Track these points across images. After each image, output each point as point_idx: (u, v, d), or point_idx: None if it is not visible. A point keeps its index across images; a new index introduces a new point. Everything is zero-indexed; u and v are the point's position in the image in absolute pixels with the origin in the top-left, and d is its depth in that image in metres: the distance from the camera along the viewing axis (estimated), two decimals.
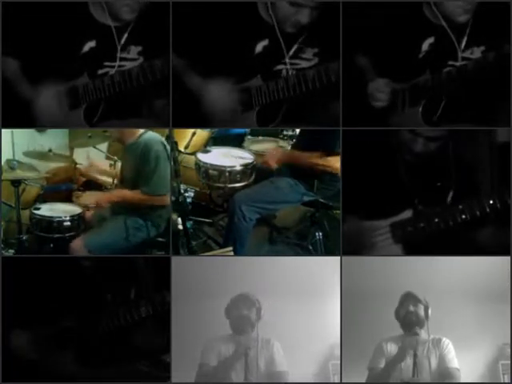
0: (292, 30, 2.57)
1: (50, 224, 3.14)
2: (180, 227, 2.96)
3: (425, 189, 2.49)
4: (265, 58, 2.60)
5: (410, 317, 2.43)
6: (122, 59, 2.60)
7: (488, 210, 2.33)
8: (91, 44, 2.60)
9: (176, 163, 2.83)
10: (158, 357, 2.58)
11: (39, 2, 2.57)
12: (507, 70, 2.50)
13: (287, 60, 2.59)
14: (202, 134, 4.01)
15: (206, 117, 2.64)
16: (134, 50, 2.61)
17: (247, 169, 3.26)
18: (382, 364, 2.41)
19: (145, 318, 2.42)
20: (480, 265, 2.57)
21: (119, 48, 2.60)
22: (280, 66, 2.60)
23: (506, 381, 2.58)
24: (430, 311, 2.43)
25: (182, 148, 3.87)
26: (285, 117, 2.64)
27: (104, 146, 4.10)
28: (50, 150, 3.66)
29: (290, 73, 2.59)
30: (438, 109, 2.56)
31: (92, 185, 3.79)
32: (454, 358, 2.41)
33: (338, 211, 3.15)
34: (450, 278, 2.59)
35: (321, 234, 3.38)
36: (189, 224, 3.12)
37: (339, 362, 2.58)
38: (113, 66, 2.61)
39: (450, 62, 2.54)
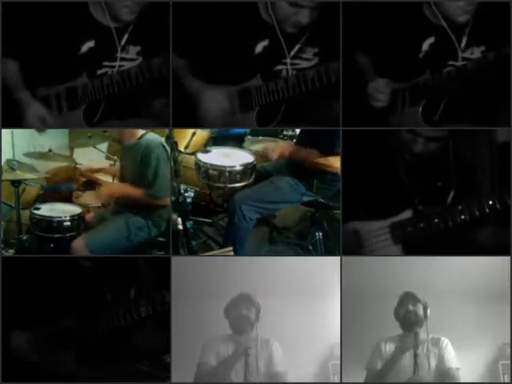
0: (292, 30, 2.57)
1: (50, 224, 3.15)
2: (180, 227, 2.96)
3: (425, 189, 2.50)
4: (265, 58, 2.60)
5: (409, 316, 2.43)
6: (120, 59, 2.61)
7: (488, 210, 2.33)
8: (90, 44, 2.60)
9: (176, 163, 2.83)
10: (158, 357, 2.58)
11: (39, 2, 2.57)
12: (507, 70, 2.50)
13: (288, 60, 2.59)
14: (201, 133, 4.01)
15: (205, 117, 2.64)
16: (133, 50, 2.62)
17: (247, 169, 3.25)
18: (380, 364, 2.41)
19: (145, 318, 2.42)
20: (480, 265, 2.57)
21: (119, 49, 2.60)
22: (280, 66, 2.60)
23: (506, 381, 2.58)
24: (428, 311, 2.43)
25: (182, 148, 3.87)
26: (285, 117, 2.63)
27: (104, 146, 4.10)
28: (50, 150, 3.67)
29: (289, 73, 2.59)
30: (438, 109, 2.56)
31: (92, 185, 3.79)
32: (454, 357, 2.41)
33: (338, 211, 3.15)
34: (450, 278, 2.59)
35: (321, 233, 3.38)
36: (189, 224, 3.12)
37: (339, 362, 2.58)
38: (112, 66, 2.61)
39: (450, 62, 2.54)
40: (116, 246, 2.99)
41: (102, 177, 3.78)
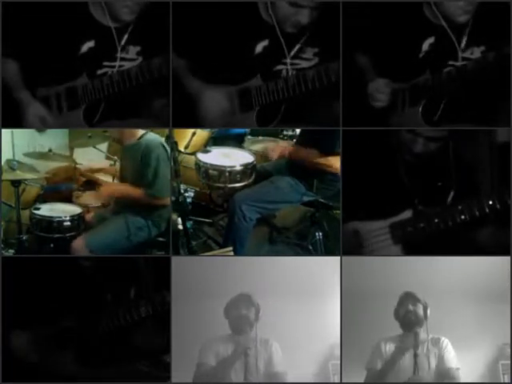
0: (292, 30, 2.57)
1: (50, 224, 3.15)
2: (180, 227, 2.96)
3: (425, 189, 2.49)
4: (265, 58, 2.60)
5: (409, 316, 2.43)
6: (120, 59, 2.61)
7: (488, 210, 2.33)
8: (90, 44, 2.60)
9: (176, 163, 2.83)
10: (158, 357, 2.58)
11: (39, 2, 2.57)
12: (507, 70, 2.50)
13: (288, 60, 2.59)
14: (201, 133, 4.01)
15: (205, 117, 2.64)
16: (133, 50, 2.62)
17: (247, 169, 3.25)
18: (380, 364, 2.41)
19: (145, 318, 2.42)
20: (480, 265, 2.57)
21: (119, 49, 2.60)
22: (280, 66, 2.60)
23: (506, 381, 2.58)
24: (428, 311, 2.43)
25: (182, 148, 3.87)
26: (285, 117, 2.63)
27: (104, 146, 4.10)
28: (50, 150, 3.66)
29: (289, 73, 2.59)
30: (438, 109, 2.56)
31: (92, 185, 3.79)
32: (454, 357, 2.41)
33: (338, 211, 3.15)
34: (450, 278, 2.59)
35: (321, 233, 3.38)
36: (189, 224, 3.12)
37: (339, 362, 2.58)
38: (112, 66, 2.61)
39: (450, 62, 2.54)
40: (116, 246, 2.99)
41: (101, 177, 3.78)
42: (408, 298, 2.46)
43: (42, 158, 3.68)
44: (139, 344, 2.50)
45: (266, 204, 3.16)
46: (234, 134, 4.32)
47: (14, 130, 3.54)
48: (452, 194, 2.48)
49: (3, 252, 3.16)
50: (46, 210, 3.24)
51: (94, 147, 3.90)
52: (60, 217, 3.16)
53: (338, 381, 2.59)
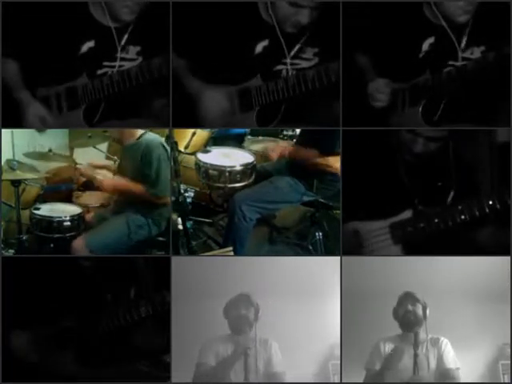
0: (292, 30, 2.57)
1: (50, 224, 3.15)
2: (180, 227, 2.96)
3: (425, 189, 2.49)
4: (265, 58, 2.60)
5: (408, 316, 2.43)
6: (120, 59, 2.61)
7: (488, 210, 2.33)
8: (90, 44, 2.60)
9: (176, 163, 2.83)
10: (158, 357, 2.58)
11: (39, 2, 2.57)
12: (507, 70, 2.50)
13: (288, 60, 2.59)
14: (201, 133, 4.01)
15: (205, 117, 2.64)
16: (133, 50, 2.62)
17: (247, 169, 3.25)
18: (379, 364, 2.41)
19: (145, 318, 2.42)
20: (480, 265, 2.57)
21: (119, 49, 2.60)
22: (280, 66, 2.60)
23: (506, 381, 2.58)
24: (428, 311, 2.42)
25: (182, 148, 3.86)
26: (285, 117, 2.63)
27: (104, 146, 4.09)
28: (50, 150, 3.66)
29: (289, 73, 2.59)
30: (438, 109, 2.56)
31: (92, 185, 3.79)
32: (454, 357, 2.41)
33: (337, 211, 3.15)
34: (450, 278, 2.59)
35: (321, 233, 3.38)
36: (189, 224, 3.12)
37: (339, 362, 2.58)
38: (112, 66, 2.61)
39: (450, 62, 2.54)
40: (116, 246, 2.99)
41: (102, 176, 3.78)
42: (407, 298, 2.45)
43: (42, 158, 3.67)
44: (139, 344, 2.50)
45: (266, 204, 3.16)
46: (233, 134, 4.32)
47: (14, 130, 3.54)
48: (452, 194, 2.48)
49: (3, 252, 3.16)
50: (46, 210, 3.24)
51: (94, 147, 3.89)
52: (60, 217, 3.16)
53: (338, 381, 2.59)
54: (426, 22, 2.56)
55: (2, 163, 3.14)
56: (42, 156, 3.66)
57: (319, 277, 2.63)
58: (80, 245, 2.96)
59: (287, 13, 2.54)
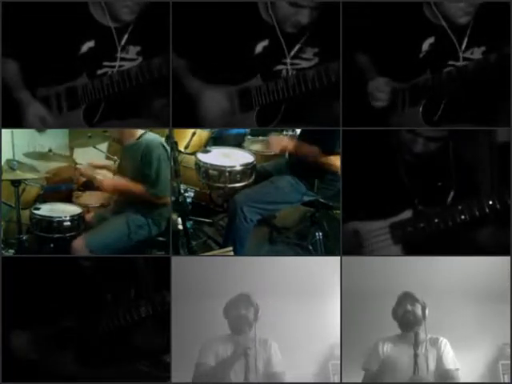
0: (292, 30, 2.57)
1: (50, 224, 3.15)
2: (180, 227, 2.96)
3: (425, 189, 2.49)
4: (265, 58, 2.60)
5: (407, 316, 2.43)
6: (120, 59, 2.61)
7: (488, 210, 2.33)
8: (90, 44, 2.60)
9: (176, 163, 2.83)
10: (158, 357, 2.58)
11: (39, 2, 2.57)
12: (507, 71, 2.50)
13: (288, 60, 2.59)
14: (201, 133, 4.00)
15: (205, 117, 2.64)
16: (133, 50, 2.62)
17: (247, 169, 3.25)
18: (377, 365, 2.41)
19: (145, 318, 2.42)
20: (480, 265, 2.57)
21: (119, 49, 2.60)
22: (280, 66, 2.60)
23: (506, 381, 2.58)
24: (427, 311, 2.42)
25: (182, 148, 3.86)
26: (285, 117, 2.63)
27: (104, 146, 4.09)
28: (50, 150, 3.66)
29: (289, 73, 2.59)
30: (438, 109, 2.56)
31: (92, 185, 3.79)
32: (453, 358, 2.40)
33: (338, 211, 3.15)
34: (450, 278, 2.59)
35: (321, 233, 3.38)
36: (189, 224, 3.12)
37: (339, 362, 2.58)
38: (112, 66, 2.61)
39: (451, 62, 2.54)
40: (116, 246, 2.99)
41: (103, 175, 3.78)
42: (406, 298, 2.46)
43: (42, 158, 3.67)
44: (139, 344, 2.50)
45: (267, 205, 3.16)
46: (233, 134, 4.32)
47: (14, 130, 3.54)
48: (452, 193, 2.48)
49: (3, 252, 3.16)
50: (46, 210, 3.24)
51: (94, 147, 3.89)
52: (60, 217, 3.16)
53: (338, 381, 2.59)
54: (426, 22, 2.56)
55: (2, 163, 3.14)
56: (42, 156, 3.66)
57: (319, 277, 2.63)
58: (80, 245, 2.96)
59: (287, 13, 2.54)
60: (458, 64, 2.52)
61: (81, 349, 2.46)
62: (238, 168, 3.22)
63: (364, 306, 2.59)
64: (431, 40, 2.56)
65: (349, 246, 2.56)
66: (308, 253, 3.39)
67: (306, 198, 3.25)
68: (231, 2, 2.59)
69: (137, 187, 3.05)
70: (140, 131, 3.09)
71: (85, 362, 2.46)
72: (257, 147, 3.93)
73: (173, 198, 2.89)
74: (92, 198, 3.51)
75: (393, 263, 2.54)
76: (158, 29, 2.60)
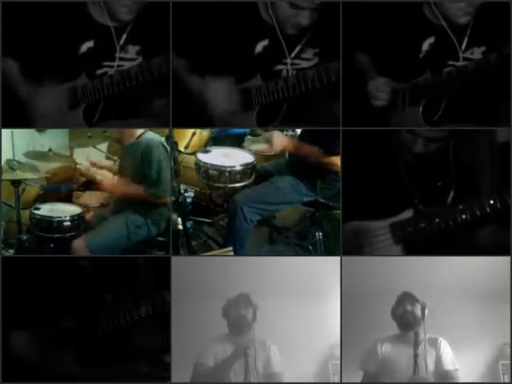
0: (292, 31, 2.57)
1: (50, 224, 3.15)
2: (180, 227, 2.96)
3: (425, 189, 2.49)
4: (265, 58, 2.60)
5: (407, 316, 2.43)
6: (120, 59, 2.61)
7: (488, 209, 2.32)
8: (89, 44, 2.60)
9: (176, 163, 2.83)
10: (158, 357, 2.58)
11: (39, 2, 2.57)
12: (507, 70, 2.50)
13: (288, 60, 2.59)
14: (202, 133, 4.00)
15: (205, 117, 2.64)
16: (133, 50, 2.62)
17: (247, 169, 3.25)
18: (376, 365, 2.41)
19: (145, 318, 2.42)
20: (480, 265, 2.57)
21: (118, 48, 2.60)
22: (280, 66, 2.60)
23: (506, 381, 2.58)
24: (426, 311, 2.42)
25: (182, 148, 3.86)
26: (285, 117, 2.63)
27: (104, 146, 4.09)
28: (50, 150, 3.66)
29: (290, 73, 2.59)
30: (438, 109, 2.56)
31: (92, 185, 3.79)
32: (452, 358, 2.40)
33: (338, 211, 3.15)
34: (450, 278, 2.59)
35: (321, 233, 3.38)
36: (189, 224, 3.12)
37: (339, 362, 2.58)
38: (112, 66, 2.61)
39: (451, 62, 2.54)
40: (116, 246, 2.99)
41: (103, 175, 3.78)
42: (406, 298, 2.45)
43: (42, 158, 3.67)
44: (139, 344, 2.50)
45: (267, 205, 3.16)
46: (233, 134, 4.32)
47: (14, 130, 3.54)
48: (452, 193, 2.48)
49: (3, 252, 3.16)
50: (46, 210, 3.24)
51: (94, 147, 3.89)
52: (60, 217, 3.16)
53: (338, 381, 2.59)
54: (426, 22, 2.56)
55: (2, 163, 3.14)
56: (42, 156, 3.66)
57: (319, 277, 2.63)
58: (80, 245, 2.96)
59: (287, 14, 2.54)
60: (458, 64, 2.52)
61: (81, 349, 2.46)
62: (238, 168, 3.22)
63: (364, 306, 2.59)
64: (431, 40, 2.56)
65: (349, 246, 2.56)
66: (308, 253, 3.39)
67: (306, 199, 3.25)
68: (231, 2, 2.59)
69: (137, 189, 3.05)
70: (139, 131, 3.09)
71: (85, 362, 2.46)
72: (257, 147, 3.93)
73: (173, 198, 2.89)
74: (92, 198, 3.51)
75: (393, 263, 2.54)
76: (157, 28, 2.60)
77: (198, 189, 3.78)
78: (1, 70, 2.63)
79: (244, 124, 2.72)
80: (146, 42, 2.61)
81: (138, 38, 2.61)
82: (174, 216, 2.96)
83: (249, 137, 4.22)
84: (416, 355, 2.34)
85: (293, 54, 2.59)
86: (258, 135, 4.20)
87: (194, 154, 3.59)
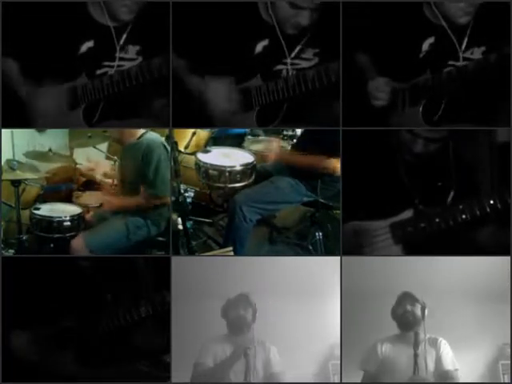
0: (292, 31, 2.57)
1: (50, 224, 3.14)
2: (180, 227, 2.96)
3: (425, 189, 2.49)
4: (265, 58, 2.60)
5: (407, 316, 2.43)
6: (120, 59, 2.61)
7: (488, 209, 2.32)
8: (89, 44, 2.60)
9: (176, 163, 2.83)
10: (158, 357, 2.58)
11: (39, 2, 2.57)
12: (507, 71, 2.50)
13: (288, 60, 2.59)
14: (201, 133, 4.00)
15: (205, 117, 2.64)
16: (133, 50, 2.62)
17: (247, 169, 3.25)
18: (376, 365, 2.41)
19: (145, 318, 2.42)
20: (480, 265, 2.57)
21: (118, 48, 2.60)
22: (280, 66, 2.60)
23: (506, 381, 2.58)
24: (426, 311, 2.42)
25: (182, 148, 3.86)
26: (285, 117, 2.63)
27: (104, 146, 4.09)
28: (50, 150, 3.66)
29: (289, 73, 2.59)
30: (438, 109, 2.56)
31: (92, 185, 3.79)
32: (452, 358, 2.40)
33: (338, 211, 3.15)
34: (450, 278, 2.59)
35: (321, 233, 3.38)
36: (189, 224, 3.12)
37: (339, 362, 2.58)
38: (112, 66, 2.61)
39: (451, 62, 2.54)
40: (116, 246, 2.99)
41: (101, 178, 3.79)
42: (406, 297, 2.45)
43: (41, 158, 3.67)
44: (139, 344, 2.50)
45: (267, 205, 3.16)
46: (233, 134, 4.32)
47: (14, 130, 3.54)
48: (452, 193, 2.48)
49: (3, 252, 3.16)
50: (46, 210, 3.24)
51: (94, 147, 3.90)
52: (60, 217, 3.16)
53: (338, 381, 2.59)
54: (426, 22, 2.56)
55: (2, 163, 3.14)
56: (42, 156, 3.66)
57: (319, 277, 2.63)
58: (79, 244, 2.96)
59: (287, 14, 2.54)
60: (458, 64, 2.52)
61: (81, 349, 2.46)
62: (238, 168, 3.23)
63: (364, 306, 2.59)
64: (431, 40, 2.56)
65: (349, 246, 2.56)
66: (308, 253, 3.39)
67: (306, 199, 3.26)
68: (231, 2, 2.59)
69: (137, 200, 3.06)
70: (140, 131, 3.09)
71: (85, 362, 2.46)
72: (257, 147, 3.94)
73: (173, 198, 2.89)
74: (92, 198, 3.50)
75: (393, 263, 2.54)
76: (157, 28, 2.60)
77: (198, 189, 3.78)
78: (1, 70, 2.63)
79: (244, 124, 2.72)
80: (146, 41, 2.61)
81: (138, 37, 2.61)
82: (174, 216, 2.96)
83: (249, 137, 4.22)
84: (416, 355, 2.33)
85: (293, 54, 2.59)
86: (258, 136, 4.21)
87: (194, 154, 3.59)
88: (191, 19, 2.62)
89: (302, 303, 2.66)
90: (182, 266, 2.63)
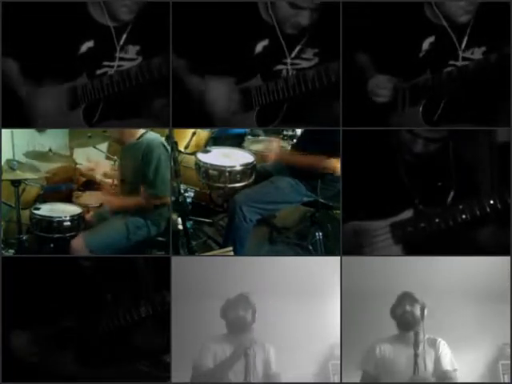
0: (292, 31, 2.57)
1: (50, 224, 3.14)
2: (180, 227, 2.96)
3: (425, 189, 2.49)
4: (265, 57, 2.61)
5: (406, 316, 2.42)
6: (120, 59, 2.61)
7: (488, 209, 2.32)
8: (89, 44, 2.60)
9: (176, 163, 2.83)
10: (158, 357, 2.58)
11: (39, 2, 2.58)
12: (507, 70, 2.50)
13: (288, 60, 2.59)
14: (201, 133, 4.01)
15: (205, 117, 2.64)
16: (133, 50, 2.62)
17: (247, 169, 3.25)
18: (375, 366, 2.41)
19: (145, 318, 2.42)
20: (480, 265, 2.57)
21: (118, 48, 2.60)
22: (280, 66, 2.60)
23: (506, 381, 2.58)
24: (426, 311, 2.42)
25: (182, 148, 3.86)
26: (285, 117, 2.63)
27: (104, 146, 4.10)
28: (50, 150, 3.66)
29: (289, 73, 2.59)
30: (438, 109, 2.56)
31: (92, 185, 3.79)
32: (451, 359, 2.40)
33: (338, 211, 3.15)
34: (450, 278, 2.59)
35: (321, 233, 3.38)
36: (189, 224, 3.12)
37: (339, 362, 2.58)
38: (112, 66, 2.61)
39: (451, 62, 2.54)
40: (116, 246, 2.99)
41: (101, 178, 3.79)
42: (405, 298, 2.45)
43: (41, 158, 3.67)
44: (139, 344, 2.50)
45: (267, 205, 3.16)
46: (233, 134, 4.32)
47: (14, 130, 3.55)
48: (452, 193, 2.48)
49: (3, 252, 3.16)
50: (46, 210, 3.24)
51: (94, 147, 3.90)
52: (60, 217, 3.16)
53: (338, 381, 2.59)
54: (426, 22, 2.56)
55: (2, 163, 3.14)
56: (42, 156, 3.67)
57: (319, 277, 2.63)
58: (79, 244, 2.96)
59: (287, 14, 2.54)
60: (458, 64, 2.52)
61: (81, 349, 2.46)
62: (238, 168, 3.23)
63: (364, 306, 2.59)
64: (431, 39, 2.56)
65: (349, 246, 2.56)
66: (308, 253, 3.39)
67: (306, 199, 3.26)
68: (231, 2, 2.59)
69: (137, 200, 3.06)
70: (140, 131, 3.09)
71: (85, 362, 2.46)
72: (257, 147, 3.94)
73: (173, 198, 2.89)
74: (92, 198, 3.50)
75: (393, 263, 2.54)
76: (157, 28, 2.60)
77: (198, 189, 3.78)
78: (1, 70, 2.63)
79: (244, 124, 2.72)
80: (145, 41, 2.61)
81: (137, 37, 2.62)
82: (174, 216, 2.96)
83: (249, 137, 4.22)
84: (416, 355, 2.33)
85: (293, 54, 2.59)
86: (259, 136, 4.21)
87: (194, 154, 3.59)
88: (191, 19, 2.62)
89: (302, 303, 2.66)
90: (182, 266, 2.63)
